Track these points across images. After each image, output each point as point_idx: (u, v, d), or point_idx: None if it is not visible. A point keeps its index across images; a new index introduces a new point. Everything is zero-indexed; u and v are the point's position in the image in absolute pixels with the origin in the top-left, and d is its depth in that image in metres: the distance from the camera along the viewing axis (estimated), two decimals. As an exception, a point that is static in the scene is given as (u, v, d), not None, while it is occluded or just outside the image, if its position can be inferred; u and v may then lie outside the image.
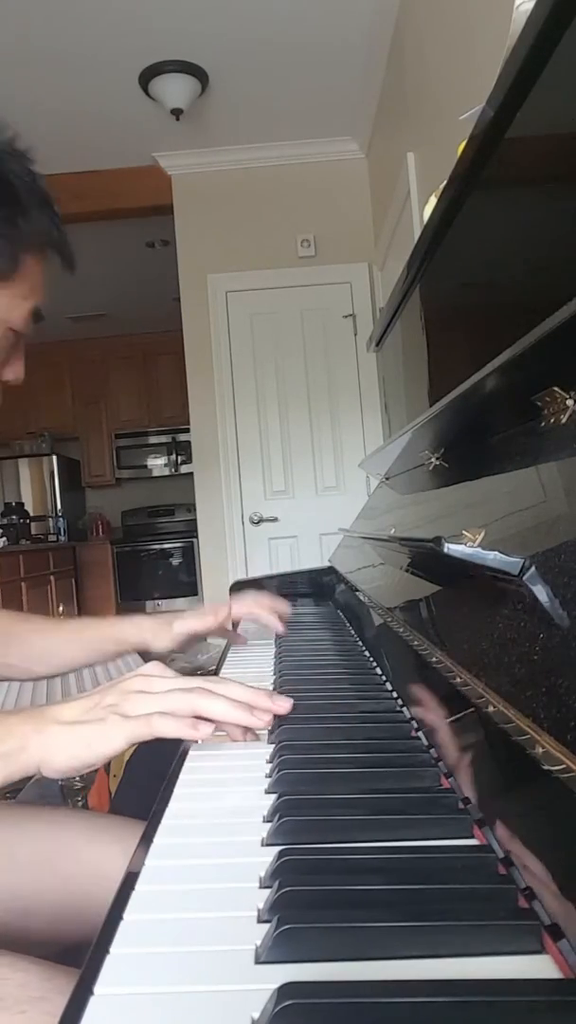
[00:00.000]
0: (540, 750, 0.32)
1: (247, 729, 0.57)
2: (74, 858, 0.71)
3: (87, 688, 1.73)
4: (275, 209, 3.62)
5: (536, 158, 0.63)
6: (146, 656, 1.00)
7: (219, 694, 0.54)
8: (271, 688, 0.78)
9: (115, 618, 0.97)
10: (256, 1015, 0.27)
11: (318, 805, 0.45)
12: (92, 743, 0.51)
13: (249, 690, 0.57)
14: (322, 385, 3.63)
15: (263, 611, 0.99)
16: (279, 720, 0.62)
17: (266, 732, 0.61)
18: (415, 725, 0.58)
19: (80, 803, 1.77)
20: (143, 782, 1.57)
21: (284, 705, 0.58)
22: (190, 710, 0.52)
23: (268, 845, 0.40)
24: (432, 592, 0.69)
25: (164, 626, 0.89)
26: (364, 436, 3.61)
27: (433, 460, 0.97)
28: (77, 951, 0.67)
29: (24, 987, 0.45)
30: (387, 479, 1.48)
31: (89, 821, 0.78)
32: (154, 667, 0.58)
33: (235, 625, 1.09)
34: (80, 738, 0.51)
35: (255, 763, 0.54)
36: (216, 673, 0.88)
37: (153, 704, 0.52)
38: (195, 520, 3.73)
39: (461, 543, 0.51)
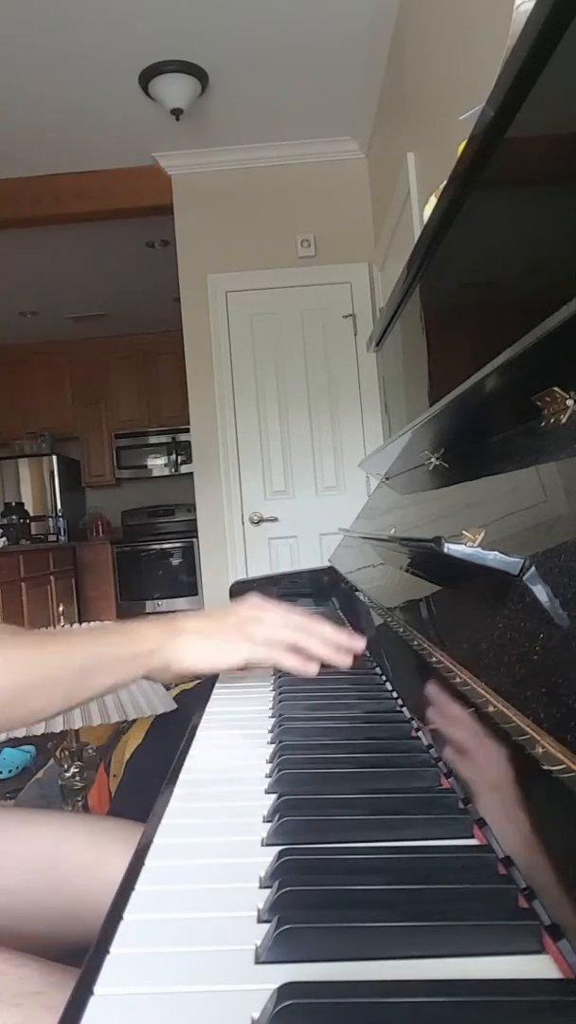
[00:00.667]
0: (540, 750, 0.32)
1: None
2: (74, 860, 0.71)
3: (103, 699, 1.72)
4: (275, 209, 3.62)
5: (536, 158, 0.63)
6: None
7: (316, 634, 0.64)
8: (271, 688, 0.78)
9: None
10: (256, 1015, 0.27)
11: (318, 805, 0.45)
12: (218, 651, 0.62)
13: (335, 631, 0.66)
14: (322, 385, 3.63)
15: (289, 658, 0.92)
16: (279, 720, 0.62)
17: (268, 733, 0.61)
18: (415, 725, 0.58)
19: (80, 803, 1.77)
20: (143, 782, 1.57)
21: (360, 644, 0.67)
22: (297, 645, 0.63)
23: (268, 845, 0.40)
24: (432, 592, 0.69)
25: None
26: (364, 436, 3.61)
27: (433, 460, 0.97)
28: (77, 953, 0.67)
29: (23, 981, 0.45)
30: (387, 479, 1.48)
31: (89, 823, 0.78)
32: (256, 597, 0.68)
33: None
34: (208, 645, 0.62)
35: (255, 763, 0.54)
36: (216, 675, 0.88)
37: (269, 633, 0.63)
38: (195, 520, 3.73)
39: (461, 543, 0.51)
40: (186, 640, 0.61)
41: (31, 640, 0.60)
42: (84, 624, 1.76)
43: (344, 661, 0.65)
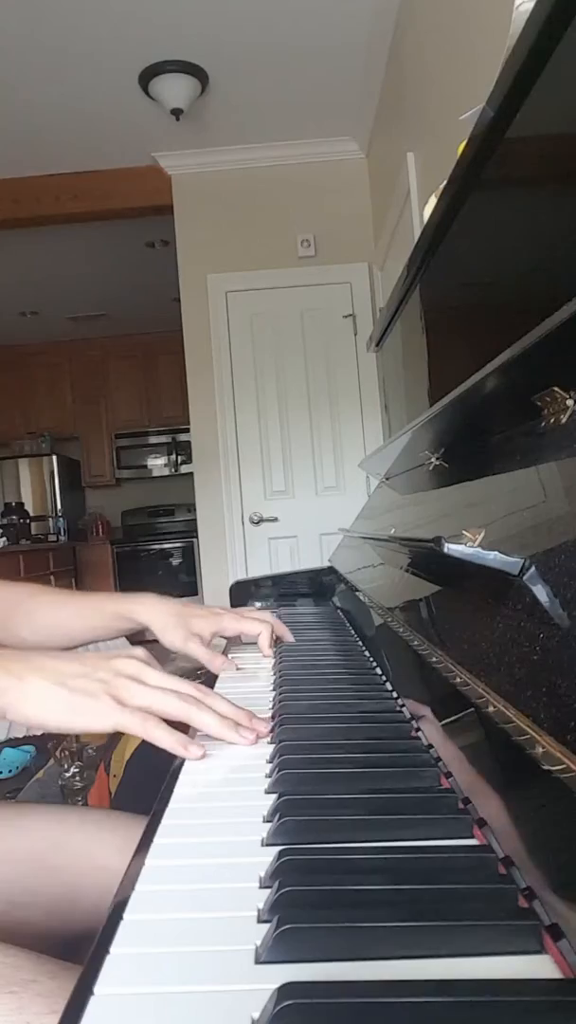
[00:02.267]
0: (540, 750, 0.32)
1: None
2: (72, 851, 0.72)
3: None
4: (275, 209, 3.62)
5: (536, 158, 0.63)
6: (132, 639, 0.98)
7: (208, 706, 0.55)
8: (271, 688, 0.78)
9: (125, 596, 0.92)
10: (256, 1015, 0.27)
11: (318, 805, 0.45)
12: (79, 711, 0.50)
13: (233, 707, 0.58)
14: (322, 385, 3.63)
15: (279, 629, 0.97)
16: (279, 720, 0.62)
17: (268, 733, 0.61)
18: (415, 725, 0.58)
19: (80, 803, 1.77)
20: (143, 782, 1.57)
21: (263, 728, 0.59)
22: (183, 717, 0.53)
23: (268, 845, 0.40)
24: (432, 592, 0.69)
25: (180, 625, 0.87)
26: (364, 436, 3.61)
27: (433, 460, 0.97)
28: (74, 943, 0.67)
29: (17, 970, 0.45)
30: (387, 479, 1.48)
31: (87, 815, 0.78)
32: (143, 653, 0.58)
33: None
34: (63, 699, 0.50)
35: (255, 763, 0.54)
36: (216, 675, 0.88)
37: (148, 699, 0.52)
38: (195, 520, 3.73)
39: (461, 543, 0.51)
40: (35, 684, 0.50)
41: None
42: None
43: (243, 740, 0.56)
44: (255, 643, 0.97)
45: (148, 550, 6.42)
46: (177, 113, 3.01)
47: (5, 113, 3.07)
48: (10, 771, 2.32)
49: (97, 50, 2.78)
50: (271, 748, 0.56)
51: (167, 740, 0.51)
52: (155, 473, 6.69)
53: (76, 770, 1.90)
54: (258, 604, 1.46)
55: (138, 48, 2.80)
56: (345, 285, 3.62)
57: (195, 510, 3.72)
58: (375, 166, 3.48)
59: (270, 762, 0.53)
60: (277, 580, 1.59)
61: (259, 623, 0.93)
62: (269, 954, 0.30)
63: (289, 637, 0.98)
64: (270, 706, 0.70)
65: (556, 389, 0.56)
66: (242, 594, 1.48)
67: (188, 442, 4.50)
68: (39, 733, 1.51)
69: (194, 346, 3.65)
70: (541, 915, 0.31)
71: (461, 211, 0.81)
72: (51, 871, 0.70)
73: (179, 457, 6.57)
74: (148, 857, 0.40)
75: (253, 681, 0.83)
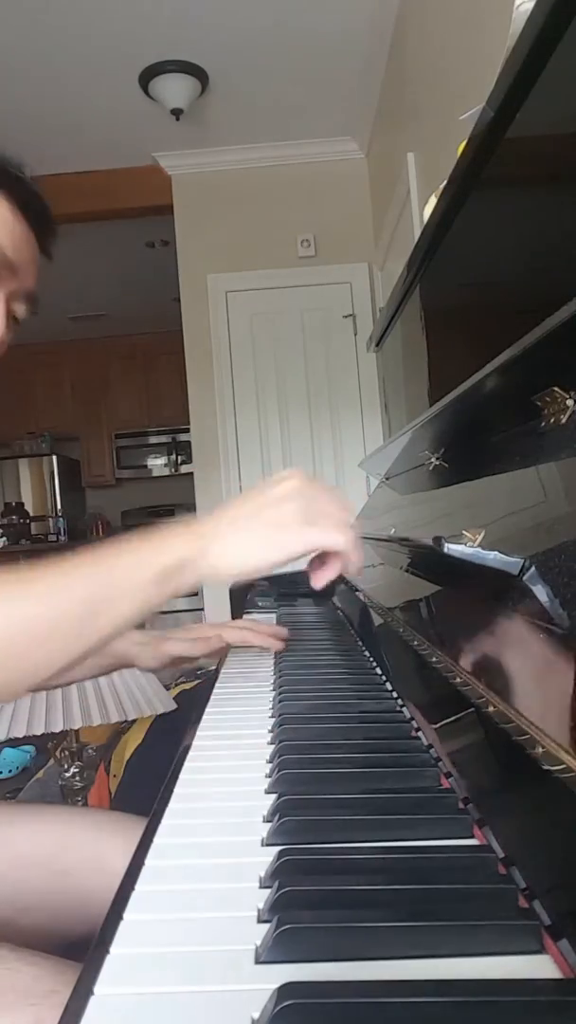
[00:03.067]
0: (540, 750, 0.32)
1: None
2: (75, 853, 0.72)
3: (88, 694, 1.72)
4: (275, 209, 3.61)
5: (536, 158, 0.63)
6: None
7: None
8: (271, 688, 0.78)
9: None
10: (256, 1015, 0.27)
11: (318, 805, 0.45)
12: (269, 542, 0.52)
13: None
14: (322, 385, 3.63)
15: (257, 637, 0.93)
16: (279, 720, 0.62)
17: (268, 733, 0.61)
18: (415, 725, 0.58)
19: (80, 803, 1.77)
20: (143, 782, 1.57)
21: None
22: (333, 548, 0.55)
23: (268, 845, 0.40)
24: (432, 592, 0.69)
25: (154, 644, 0.86)
26: (364, 436, 3.61)
27: (433, 460, 0.97)
28: (82, 947, 0.67)
29: (37, 980, 0.45)
30: (387, 479, 1.48)
31: (90, 816, 0.78)
32: (298, 474, 0.58)
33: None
34: (260, 542, 0.52)
35: (255, 763, 0.54)
36: (217, 674, 0.88)
37: (329, 508, 0.54)
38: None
39: (461, 543, 0.51)
40: (225, 538, 0.51)
41: (17, 576, 0.50)
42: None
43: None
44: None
45: (148, 550, 6.41)
46: (177, 113, 3.01)
47: (5, 113, 3.06)
48: (10, 771, 2.32)
49: (97, 50, 2.77)
50: (271, 748, 0.56)
51: (342, 542, 0.54)
52: (155, 473, 6.69)
53: (76, 770, 1.90)
54: (260, 603, 1.46)
55: (138, 48, 2.80)
56: (345, 285, 3.62)
57: (195, 510, 3.72)
58: (375, 166, 3.47)
59: (270, 762, 0.53)
60: (277, 580, 1.59)
61: (237, 632, 0.92)
62: (269, 954, 0.30)
63: (276, 646, 0.93)
64: (270, 706, 0.70)
65: (556, 389, 0.56)
66: (242, 594, 1.48)
67: (188, 442, 4.49)
68: (39, 733, 1.51)
69: (194, 346, 3.65)
70: (541, 915, 0.31)
71: (461, 211, 0.81)
72: (58, 874, 0.70)
73: (179, 457, 6.56)
74: (148, 857, 0.40)
75: (253, 681, 0.83)
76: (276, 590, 1.54)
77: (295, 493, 0.54)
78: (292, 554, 0.52)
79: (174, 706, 1.60)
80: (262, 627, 0.95)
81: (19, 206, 0.68)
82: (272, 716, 0.66)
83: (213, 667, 0.94)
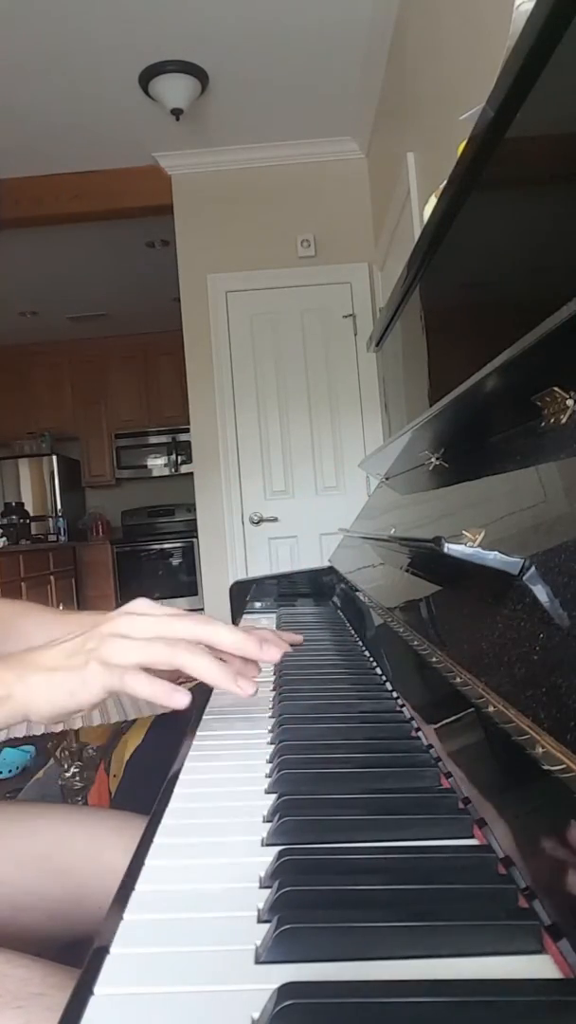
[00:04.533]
0: (540, 750, 0.32)
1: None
2: (73, 851, 0.72)
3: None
4: (275, 209, 3.62)
5: (536, 158, 0.63)
6: None
7: (203, 650, 0.50)
8: (271, 688, 0.78)
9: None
10: (256, 1015, 0.27)
11: (318, 805, 0.45)
12: (73, 691, 0.48)
13: (239, 635, 0.52)
14: (322, 385, 3.63)
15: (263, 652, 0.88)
16: (279, 720, 0.61)
17: (268, 733, 0.61)
18: (415, 725, 0.58)
19: (80, 803, 1.77)
20: (143, 782, 1.57)
21: (274, 653, 0.53)
22: (171, 664, 0.49)
23: (268, 845, 0.40)
24: (432, 592, 0.69)
25: None
26: (364, 436, 3.61)
27: (433, 460, 0.97)
28: (78, 948, 0.67)
29: (25, 983, 0.45)
30: (387, 479, 1.48)
31: (88, 815, 0.78)
32: (142, 603, 0.54)
33: None
34: (60, 686, 0.49)
35: (255, 763, 0.54)
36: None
37: (133, 656, 0.48)
38: (195, 520, 3.73)
39: (461, 543, 0.51)
40: (38, 683, 0.49)
41: None
42: None
43: (240, 690, 0.50)
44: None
45: (148, 550, 6.42)
46: (177, 113, 3.01)
47: (5, 114, 3.07)
48: (10, 771, 2.31)
49: (97, 50, 2.77)
50: (271, 748, 0.56)
51: (147, 689, 0.47)
52: (155, 473, 6.69)
53: (76, 770, 1.90)
54: (258, 604, 1.46)
55: (138, 48, 2.80)
56: (345, 285, 3.62)
57: (195, 510, 3.72)
58: (375, 166, 3.47)
59: (270, 762, 0.53)
60: (277, 580, 1.59)
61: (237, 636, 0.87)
62: (269, 954, 0.30)
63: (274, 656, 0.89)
64: (270, 706, 0.70)
65: (556, 389, 0.56)
66: (242, 594, 1.48)
67: (188, 442, 4.50)
68: (39, 733, 1.51)
69: (194, 346, 3.65)
70: (541, 915, 0.31)
71: (461, 211, 0.81)
72: (55, 873, 0.70)
73: (179, 457, 6.57)
74: (148, 857, 0.40)
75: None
76: (276, 590, 1.54)
77: (110, 628, 0.51)
78: (88, 702, 0.49)
79: (174, 706, 1.60)
80: (275, 635, 0.91)
81: None
82: (272, 716, 0.66)
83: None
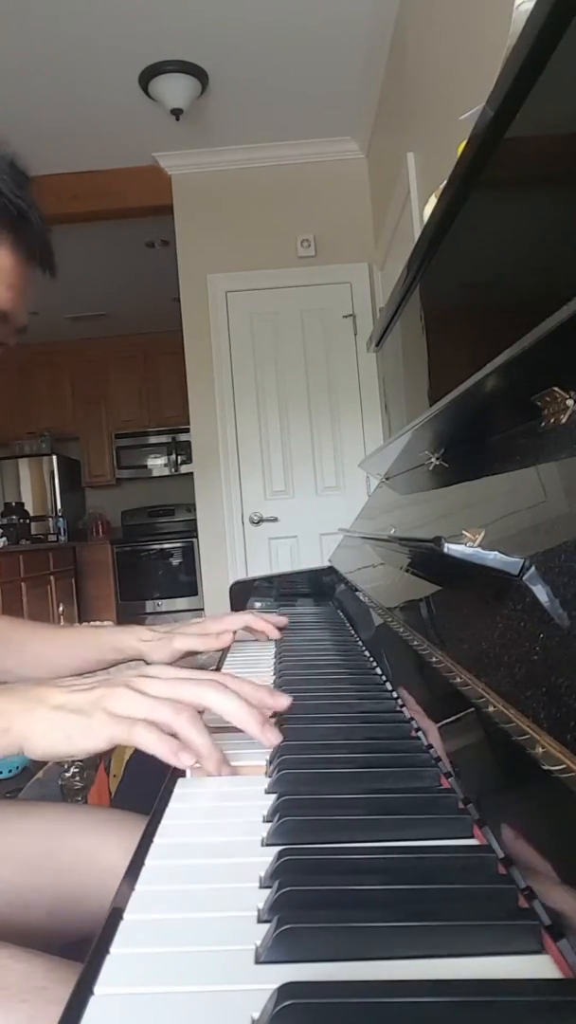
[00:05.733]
0: (540, 750, 0.32)
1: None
2: (72, 850, 0.72)
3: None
4: (275, 209, 3.62)
5: (536, 158, 0.63)
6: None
7: (201, 725, 0.50)
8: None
9: (114, 627, 0.95)
10: (256, 1015, 0.27)
11: (318, 805, 0.45)
12: (73, 736, 0.49)
13: (244, 712, 0.52)
14: (322, 385, 3.63)
15: (258, 622, 0.94)
16: (280, 720, 0.61)
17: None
18: (415, 725, 0.58)
19: (80, 803, 1.77)
20: (143, 782, 1.57)
21: (283, 702, 0.56)
22: (171, 729, 0.49)
23: (268, 845, 0.40)
24: (432, 592, 0.69)
25: (164, 640, 0.87)
26: (364, 436, 3.61)
27: (433, 460, 0.97)
28: (78, 945, 0.67)
29: (27, 977, 0.45)
30: (387, 479, 1.48)
31: (86, 814, 0.78)
32: (160, 670, 0.55)
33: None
34: (62, 728, 0.49)
35: (255, 763, 0.54)
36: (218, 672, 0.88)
37: (141, 708, 0.49)
38: (195, 520, 3.73)
39: (461, 543, 0.51)
40: (40, 719, 0.49)
41: None
42: None
43: (227, 770, 0.50)
44: (255, 640, 0.97)
45: (148, 550, 6.42)
46: (177, 113, 3.01)
47: (5, 114, 3.06)
48: (10, 771, 2.31)
49: (97, 50, 2.78)
50: (271, 748, 0.56)
51: (155, 746, 0.47)
52: (155, 473, 6.69)
53: (76, 770, 1.90)
54: (258, 604, 1.46)
55: (138, 48, 2.80)
56: (345, 285, 3.62)
57: (195, 510, 3.73)
58: (375, 166, 3.48)
59: (270, 762, 0.53)
60: (277, 580, 1.59)
61: (239, 617, 0.93)
62: (269, 954, 0.30)
63: (273, 633, 0.95)
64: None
65: (556, 389, 0.56)
66: (242, 594, 1.48)
67: (188, 442, 4.50)
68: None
69: (194, 346, 3.65)
70: (541, 915, 0.31)
71: (461, 211, 0.81)
72: (54, 871, 0.70)
73: (179, 457, 6.57)
74: (148, 857, 0.40)
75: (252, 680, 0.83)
76: (276, 590, 1.54)
77: (115, 682, 0.51)
78: (89, 750, 0.49)
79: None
80: (264, 615, 0.96)
81: (23, 253, 0.68)
82: (272, 716, 0.66)
83: (214, 666, 0.94)
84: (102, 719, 0.49)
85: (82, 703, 0.50)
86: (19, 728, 0.49)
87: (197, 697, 0.51)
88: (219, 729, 0.53)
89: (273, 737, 0.53)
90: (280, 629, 0.96)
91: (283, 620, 0.98)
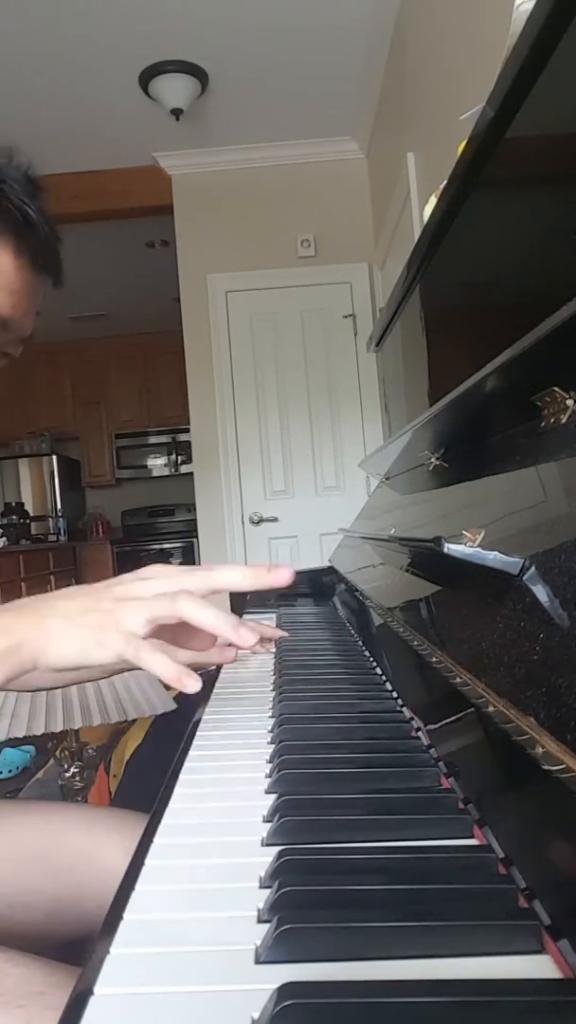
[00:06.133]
0: (540, 750, 0.32)
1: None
2: (71, 849, 0.72)
3: (89, 694, 1.72)
4: (275, 209, 3.62)
5: (536, 158, 0.63)
6: None
7: (208, 599, 0.50)
8: (271, 688, 0.78)
9: None
10: (256, 1015, 0.27)
11: (318, 805, 0.45)
12: (84, 648, 0.48)
13: (248, 571, 0.52)
14: (322, 385, 3.63)
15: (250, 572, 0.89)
16: (279, 720, 0.61)
17: (268, 733, 0.61)
18: (415, 725, 0.58)
19: (80, 803, 1.77)
20: (143, 782, 1.57)
21: (283, 575, 0.53)
22: (176, 616, 0.48)
23: (268, 845, 0.40)
24: (432, 592, 0.69)
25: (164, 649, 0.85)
26: (364, 436, 3.61)
27: (433, 460, 0.97)
28: (77, 946, 0.67)
29: (25, 982, 0.45)
30: (387, 479, 1.48)
31: (85, 812, 0.78)
32: (155, 569, 0.53)
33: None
34: (75, 641, 0.48)
35: (255, 763, 0.54)
36: (217, 674, 0.88)
37: (144, 615, 0.48)
38: (195, 520, 3.73)
39: (461, 543, 0.51)
40: (52, 631, 0.48)
41: None
42: None
43: (241, 639, 0.50)
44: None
45: (148, 550, 6.42)
46: (177, 113, 3.01)
47: (5, 113, 3.06)
48: (10, 771, 2.32)
49: (97, 50, 2.77)
50: (271, 748, 0.56)
51: (159, 668, 0.46)
52: (155, 473, 6.69)
53: (76, 770, 1.91)
54: (257, 615, 1.46)
55: (138, 48, 2.80)
56: (345, 285, 3.62)
57: (195, 510, 3.72)
58: (375, 166, 3.47)
59: (270, 762, 0.53)
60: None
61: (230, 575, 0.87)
62: (269, 954, 0.30)
63: (269, 632, 0.90)
64: (270, 706, 0.70)
65: (556, 389, 0.56)
66: (242, 594, 1.48)
67: (188, 442, 4.50)
68: (39, 733, 1.51)
69: (194, 346, 3.65)
70: (541, 915, 0.31)
71: (461, 211, 0.81)
72: (53, 871, 0.70)
73: (179, 457, 6.57)
74: (148, 857, 0.40)
75: (253, 681, 0.83)
76: (276, 590, 1.53)
77: (117, 593, 0.50)
78: (100, 661, 0.48)
79: (174, 706, 1.60)
80: (257, 624, 0.93)
81: (26, 259, 0.67)
82: (272, 716, 0.66)
83: (213, 667, 0.94)
84: (114, 637, 0.47)
85: (89, 616, 0.49)
86: (33, 641, 0.48)
87: (174, 610, 0.49)
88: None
89: (249, 636, 0.51)
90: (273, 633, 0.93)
91: (275, 632, 0.91)
